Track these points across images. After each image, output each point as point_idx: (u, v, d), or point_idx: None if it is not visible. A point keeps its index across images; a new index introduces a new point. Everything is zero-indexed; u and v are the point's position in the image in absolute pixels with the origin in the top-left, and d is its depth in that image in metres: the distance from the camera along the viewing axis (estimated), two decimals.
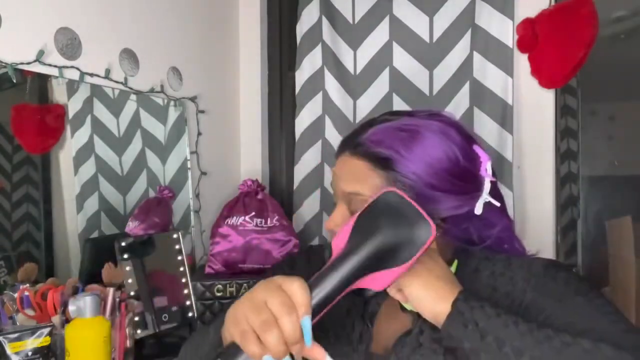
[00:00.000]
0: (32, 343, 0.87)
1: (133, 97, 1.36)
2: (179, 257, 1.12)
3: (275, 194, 1.76)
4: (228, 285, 1.37)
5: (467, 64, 1.50)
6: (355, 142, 0.75)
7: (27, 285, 1.06)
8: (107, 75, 1.22)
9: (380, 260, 0.58)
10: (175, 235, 1.13)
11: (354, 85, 1.66)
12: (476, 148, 0.75)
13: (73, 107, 1.24)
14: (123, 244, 1.03)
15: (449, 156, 0.71)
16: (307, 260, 0.88)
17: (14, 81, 1.02)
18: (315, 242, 1.69)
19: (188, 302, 1.12)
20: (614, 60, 2.07)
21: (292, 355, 0.53)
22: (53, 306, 1.00)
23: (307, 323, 0.52)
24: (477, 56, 1.49)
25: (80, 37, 1.16)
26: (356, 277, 0.56)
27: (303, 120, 1.73)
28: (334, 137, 1.67)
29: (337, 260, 0.57)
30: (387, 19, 1.61)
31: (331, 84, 1.68)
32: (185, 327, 1.17)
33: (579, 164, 1.94)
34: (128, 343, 1.02)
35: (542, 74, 1.42)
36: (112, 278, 1.20)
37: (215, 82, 1.68)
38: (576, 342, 0.57)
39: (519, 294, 0.69)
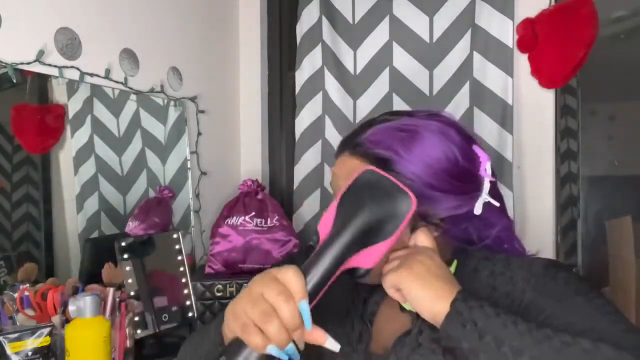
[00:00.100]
0: (32, 343, 0.87)
1: (133, 97, 1.36)
2: (179, 257, 1.13)
3: (275, 194, 1.76)
4: (228, 285, 1.37)
5: (467, 64, 1.50)
6: (355, 142, 0.75)
7: (27, 285, 1.06)
8: (107, 75, 1.22)
9: (366, 237, 0.59)
10: (175, 235, 1.13)
11: (354, 85, 1.66)
12: (476, 148, 0.75)
13: (73, 107, 1.24)
14: (123, 244, 1.03)
15: (448, 156, 0.71)
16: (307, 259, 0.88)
17: (14, 81, 1.03)
18: None
19: (188, 302, 1.12)
20: (614, 60, 2.07)
21: (295, 343, 0.54)
22: (53, 306, 1.00)
23: (305, 307, 0.53)
24: (477, 56, 1.49)
25: (80, 37, 1.16)
26: (346, 257, 0.58)
27: (303, 120, 1.73)
28: (334, 137, 1.67)
29: (326, 243, 0.58)
30: (387, 19, 1.61)
31: (331, 84, 1.68)
32: (185, 327, 1.17)
33: (579, 164, 1.94)
34: (128, 343, 1.02)
35: (542, 74, 1.43)
36: (112, 278, 1.20)
37: (215, 82, 1.68)
38: (576, 342, 0.57)
39: (519, 294, 0.69)
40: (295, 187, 1.74)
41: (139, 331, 1.04)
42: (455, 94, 1.53)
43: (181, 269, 1.12)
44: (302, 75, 1.73)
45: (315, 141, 1.71)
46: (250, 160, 1.79)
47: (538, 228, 1.47)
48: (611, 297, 1.88)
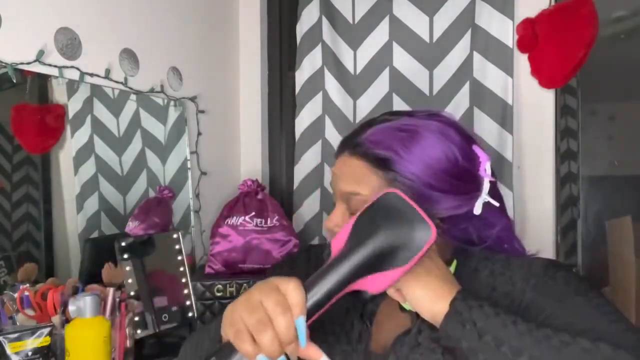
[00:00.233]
0: (32, 343, 0.87)
1: (133, 97, 1.36)
2: (179, 257, 1.13)
3: (275, 194, 1.76)
4: (228, 285, 1.37)
5: (467, 64, 1.50)
6: (355, 142, 0.75)
7: (27, 285, 1.06)
8: (107, 75, 1.22)
9: (378, 262, 0.57)
10: (175, 235, 1.13)
11: (354, 85, 1.66)
12: (475, 148, 0.75)
13: (73, 107, 1.24)
14: (123, 244, 1.03)
15: (448, 156, 0.71)
16: (307, 259, 0.88)
17: (14, 81, 1.03)
18: (315, 242, 1.69)
19: (188, 302, 1.12)
20: (614, 60, 2.07)
21: (287, 356, 0.53)
22: (53, 306, 1.00)
23: (301, 323, 0.53)
24: (477, 56, 1.49)
25: (80, 37, 1.16)
26: (354, 279, 0.56)
27: (303, 120, 1.73)
28: (334, 137, 1.67)
29: (335, 261, 0.57)
30: (387, 19, 1.61)
31: (331, 84, 1.68)
32: (185, 327, 1.17)
33: (579, 164, 1.94)
34: (128, 343, 1.02)
35: (542, 74, 1.42)
36: (112, 278, 1.20)
37: (215, 82, 1.68)
38: (575, 342, 0.57)
39: (519, 294, 0.69)
40: (295, 187, 1.74)
41: (139, 331, 1.04)
42: (455, 94, 1.53)
43: (181, 269, 1.12)
44: (302, 75, 1.73)
45: (315, 141, 1.71)
46: (250, 160, 1.79)
47: (538, 228, 1.47)
48: (611, 297, 1.87)
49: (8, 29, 1.01)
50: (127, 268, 1.04)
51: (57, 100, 1.20)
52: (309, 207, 1.71)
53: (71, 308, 0.86)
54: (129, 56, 1.31)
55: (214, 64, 1.67)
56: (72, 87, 1.21)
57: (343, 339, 0.75)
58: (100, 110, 1.32)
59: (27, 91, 1.13)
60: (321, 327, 0.57)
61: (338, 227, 0.74)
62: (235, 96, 1.79)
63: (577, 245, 1.96)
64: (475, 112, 1.50)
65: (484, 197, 0.73)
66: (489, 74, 1.48)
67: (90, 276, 1.19)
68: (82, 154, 1.29)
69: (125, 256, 1.04)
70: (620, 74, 2.10)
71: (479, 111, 1.49)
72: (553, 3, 1.43)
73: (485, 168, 0.74)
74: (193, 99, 1.54)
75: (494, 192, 0.75)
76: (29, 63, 1.04)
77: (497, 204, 0.75)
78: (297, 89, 1.74)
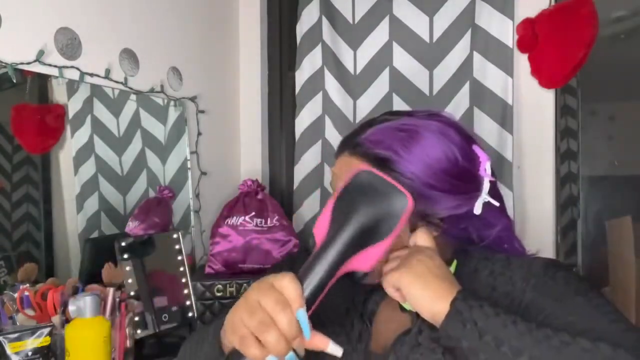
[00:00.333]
0: (32, 343, 0.87)
1: (133, 97, 1.36)
2: (179, 257, 1.13)
3: (275, 194, 1.76)
4: (228, 285, 1.37)
5: (467, 64, 1.50)
6: (354, 142, 0.75)
7: (27, 285, 1.06)
8: (107, 75, 1.22)
9: (362, 240, 0.58)
10: (175, 235, 1.13)
11: (354, 85, 1.66)
12: (475, 148, 0.75)
13: (73, 107, 1.24)
14: (123, 244, 1.03)
15: (447, 156, 0.71)
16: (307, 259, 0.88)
17: (14, 81, 1.03)
18: None
19: (188, 302, 1.12)
20: (614, 60, 2.07)
21: (295, 351, 0.54)
22: (53, 306, 1.00)
23: (302, 315, 0.53)
24: (477, 56, 1.49)
25: (80, 37, 1.16)
26: (343, 261, 0.57)
27: (303, 120, 1.73)
28: (334, 137, 1.67)
29: (322, 248, 0.57)
30: (387, 19, 1.61)
31: (331, 84, 1.68)
32: (185, 327, 1.17)
33: (579, 164, 1.94)
34: (128, 343, 1.02)
35: (542, 74, 1.42)
36: (112, 278, 1.20)
37: (215, 82, 1.68)
38: (575, 342, 0.57)
39: (519, 294, 0.69)
40: (295, 187, 1.74)
41: (139, 331, 1.04)
42: (455, 94, 1.53)
43: (181, 269, 1.12)
44: (302, 75, 1.73)
45: (315, 141, 1.71)
46: (250, 160, 1.79)
47: (538, 228, 1.47)
48: (611, 297, 1.87)
49: (8, 29, 1.01)
50: (127, 268, 1.04)
51: (57, 100, 1.20)
52: (309, 207, 1.71)
53: (71, 308, 0.86)
54: (129, 56, 1.31)
55: (214, 64, 1.67)
56: (72, 87, 1.21)
57: (343, 339, 0.75)
58: (100, 110, 1.32)
59: (27, 91, 1.13)
60: (321, 327, 0.57)
61: None
62: (235, 96, 1.79)
63: (577, 245, 1.96)
64: (475, 112, 1.50)
65: (484, 196, 0.73)
66: (489, 74, 1.48)
67: (90, 276, 1.19)
68: (82, 154, 1.29)
69: (125, 256, 1.04)
70: (620, 74, 2.10)
71: (479, 111, 1.49)
72: (553, 3, 1.43)
73: (485, 168, 0.74)
74: (193, 99, 1.54)
75: (494, 192, 0.75)
76: (29, 63, 1.04)
77: (497, 204, 0.75)
78: (297, 89, 1.74)
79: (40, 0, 1.08)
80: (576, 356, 0.56)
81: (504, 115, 1.47)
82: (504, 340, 0.58)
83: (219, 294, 1.36)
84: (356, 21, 1.66)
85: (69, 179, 1.26)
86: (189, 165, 1.54)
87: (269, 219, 1.51)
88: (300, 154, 1.73)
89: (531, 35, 1.41)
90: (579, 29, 1.33)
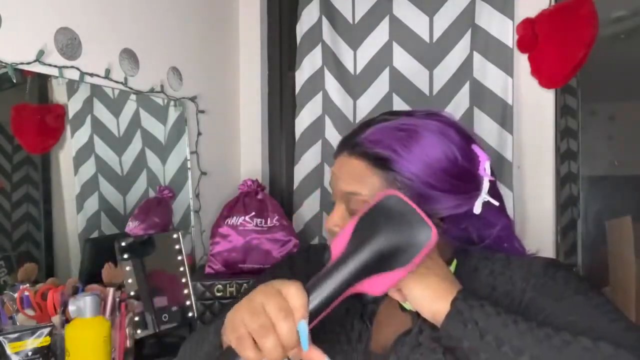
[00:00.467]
0: (32, 343, 0.87)
1: (133, 97, 1.36)
2: (179, 257, 1.13)
3: (275, 194, 1.76)
4: (228, 285, 1.37)
5: (467, 64, 1.50)
6: (354, 142, 0.75)
7: (27, 285, 1.06)
8: (107, 75, 1.22)
9: (379, 264, 0.57)
10: (175, 235, 1.13)
11: (354, 85, 1.66)
12: (475, 148, 0.75)
13: (73, 107, 1.24)
14: (123, 244, 1.03)
15: (447, 156, 0.71)
16: (306, 259, 0.88)
17: (14, 81, 1.03)
18: (315, 242, 1.69)
19: (188, 302, 1.12)
20: (614, 60, 2.07)
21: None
22: (53, 306, 1.00)
23: (303, 327, 0.52)
24: (477, 56, 1.49)
25: (80, 37, 1.16)
26: (355, 281, 0.56)
27: (303, 120, 1.73)
28: (334, 137, 1.67)
29: (336, 264, 0.56)
30: (387, 19, 1.61)
31: (331, 84, 1.68)
32: (185, 327, 1.17)
33: (579, 164, 1.94)
34: (128, 343, 1.02)
35: (542, 74, 1.42)
36: (112, 278, 1.20)
37: (215, 82, 1.68)
38: (576, 341, 0.57)
39: (519, 294, 0.69)
40: (295, 187, 1.74)
41: (139, 331, 1.04)
42: (455, 94, 1.53)
43: (181, 269, 1.12)
44: (302, 75, 1.73)
45: (315, 141, 1.71)
46: (250, 160, 1.79)
47: (538, 228, 1.47)
48: (611, 297, 1.87)
49: (8, 29, 1.01)
50: (127, 268, 1.04)
51: (57, 100, 1.20)
52: (309, 207, 1.71)
53: (71, 308, 0.86)
54: (129, 56, 1.31)
55: (214, 64, 1.67)
56: (72, 87, 1.21)
57: (343, 339, 0.75)
58: (100, 110, 1.32)
59: (27, 91, 1.13)
60: (321, 328, 0.57)
61: (337, 227, 0.74)
62: (235, 96, 1.79)
63: (577, 245, 1.96)
64: (475, 112, 1.50)
65: (484, 196, 0.73)
66: (489, 74, 1.48)
67: (90, 276, 1.19)
68: (82, 154, 1.29)
69: (125, 256, 1.03)
70: (620, 74, 2.10)
71: (479, 111, 1.49)
72: (553, 3, 1.43)
73: (485, 167, 0.74)
74: (193, 99, 1.54)
75: (494, 192, 0.75)
76: (29, 63, 1.04)
77: (496, 204, 0.75)
78: (297, 89, 1.74)
79: (40, 0, 1.08)
80: (577, 355, 0.56)
81: (504, 115, 1.47)
82: (505, 340, 0.58)
83: (219, 294, 1.36)
84: (356, 21, 1.66)
85: (69, 179, 1.26)
86: (189, 165, 1.54)
87: (269, 219, 1.51)
88: (300, 154, 1.73)
89: (531, 35, 1.41)
90: (579, 29, 1.33)
